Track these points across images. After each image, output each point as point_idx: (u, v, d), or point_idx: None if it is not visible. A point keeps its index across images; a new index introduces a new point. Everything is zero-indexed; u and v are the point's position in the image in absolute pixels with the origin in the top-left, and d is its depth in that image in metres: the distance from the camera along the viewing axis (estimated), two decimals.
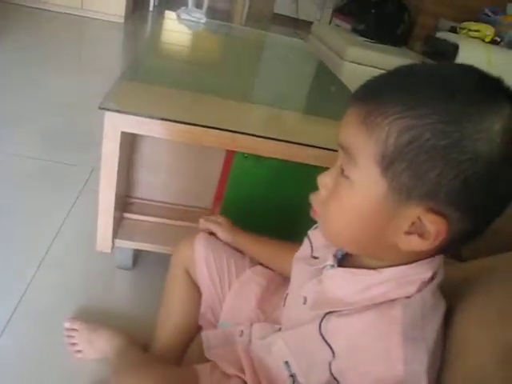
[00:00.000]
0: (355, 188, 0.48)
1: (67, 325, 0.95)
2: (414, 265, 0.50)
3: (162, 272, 0.95)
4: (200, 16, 1.95)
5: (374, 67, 2.63)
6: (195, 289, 0.88)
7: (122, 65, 2.93)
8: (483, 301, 0.54)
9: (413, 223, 0.46)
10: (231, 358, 0.73)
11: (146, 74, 1.21)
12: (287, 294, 0.71)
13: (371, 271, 0.52)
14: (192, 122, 0.90)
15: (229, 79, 1.39)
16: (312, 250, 0.67)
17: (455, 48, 2.61)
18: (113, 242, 1.05)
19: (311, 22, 4.33)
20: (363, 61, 2.68)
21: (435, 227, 0.44)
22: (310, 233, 0.70)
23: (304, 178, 0.99)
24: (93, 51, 3.05)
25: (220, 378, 0.70)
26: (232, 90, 1.26)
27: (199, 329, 0.87)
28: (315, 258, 0.65)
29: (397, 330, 0.47)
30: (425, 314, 0.49)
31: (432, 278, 0.51)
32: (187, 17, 1.94)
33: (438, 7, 3.31)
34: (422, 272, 0.50)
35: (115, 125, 0.88)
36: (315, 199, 0.56)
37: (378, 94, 0.47)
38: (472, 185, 0.42)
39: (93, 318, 0.99)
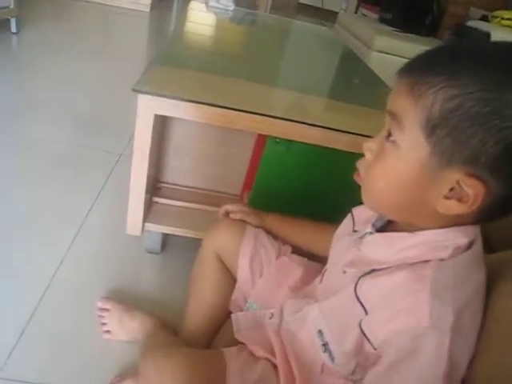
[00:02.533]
0: (400, 151, 0.51)
1: (99, 304, 0.96)
2: (448, 229, 0.52)
3: (189, 257, 0.95)
4: (228, 3, 1.94)
5: (402, 57, 2.57)
6: (227, 274, 0.87)
7: (148, 53, 2.94)
8: None
9: (452, 188, 0.48)
10: (260, 340, 0.73)
11: (177, 59, 1.20)
12: (325, 270, 0.72)
13: (406, 233, 0.55)
14: (225, 105, 0.89)
15: (259, 65, 1.38)
16: (354, 224, 0.68)
17: (487, 37, 2.54)
18: (143, 225, 1.06)
19: (336, 12, 4.25)
20: (391, 50, 2.63)
21: (474, 191, 0.46)
22: (354, 209, 0.71)
23: (335, 164, 0.98)
24: (119, 39, 3.07)
25: (247, 360, 0.70)
26: (263, 76, 1.25)
27: (228, 315, 0.87)
28: (356, 231, 0.66)
29: (426, 287, 0.49)
30: (457, 279, 0.50)
31: (469, 247, 0.52)
32: (215, 4, 1.93)
33: None
34: (456, 237, 0.52)
35: (148, 107, 0.88)
36: (361, 164, 0.58)
37: (423, 66, 0.50)
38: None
39: (122, 300, 0.99)
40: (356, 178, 0.59)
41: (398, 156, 0.51)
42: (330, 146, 0.94)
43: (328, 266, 0.73)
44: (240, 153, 1.17)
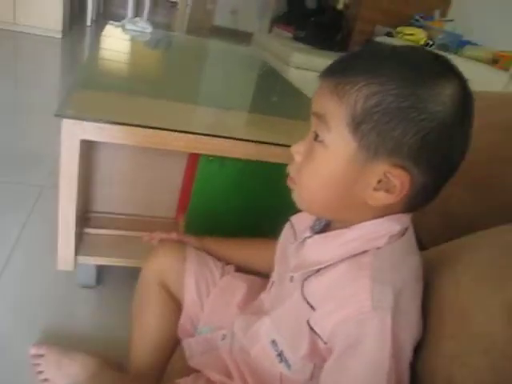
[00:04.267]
0: (329, 150, 0.53)
1: (33, 351, 0.87)
2: (383, 219, 0.55)
3: (127, 287, 0.90)
4: (145, 26, 1.91)
5: (319, 72, 2.68)
6: (171, 300, 0.83)
7: (62, 80, 2.81)
8: (473, 268, 0.56)
9: (380, 181, 0.52)
10: (216, 364, 0.71)
11: (99, 83, 1.16)
12: (273, 282, 0.72)
13: (343, 229, 0.57)
14: (154, 126, 0.87)
15: (184, 85, 1.36)
16: (295, 233, 0.69)
17: None
18: (75, 259, 0.99)
19: (251, 33, 4.35)
20: (308, 66, 2.73)
21: (400, 181, 0.50)
22: (293, 218, 0.72)
23: (270, 177, 0.99)
24: (30, 67, 2.91)
25: None
26: (188, 95, 1.24)
27: (177, 343, 0.83)
28: (297, 240, 0.67)
29: (366, 273, 0.52)
30: (393, 262, 0.54)
31: (403, 234, 0.56)
32: (132, 27, 1.89)
33: (373, 14, 3.47)
34: (390, 226, 0.55)
35: (74, 133, 0.83)
36: (291, 168, 0.60)
37: (345, 67, 0.53)
38: (430, 141, 0.49)
39: (57, 343, 0.91)
40: (288, 182, 0.61)
41: (328, 154, 0.53)
42: (264, 160, 0.95)
43: (274, 277, 0.72)
44: (171, 175, 1.14)
